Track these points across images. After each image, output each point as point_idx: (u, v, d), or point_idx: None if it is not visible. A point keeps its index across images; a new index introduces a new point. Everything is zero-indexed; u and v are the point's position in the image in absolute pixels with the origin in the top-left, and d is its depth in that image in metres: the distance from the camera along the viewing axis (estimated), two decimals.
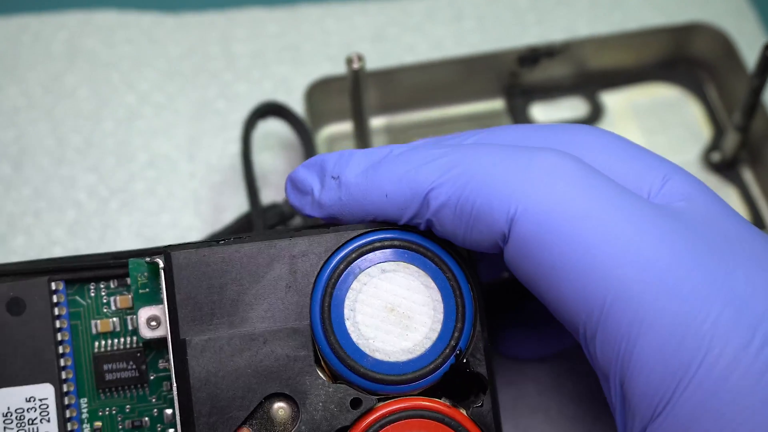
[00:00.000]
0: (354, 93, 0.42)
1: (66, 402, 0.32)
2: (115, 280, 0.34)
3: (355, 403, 0.30)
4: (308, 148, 0.43)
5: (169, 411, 0.33)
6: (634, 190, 0.31)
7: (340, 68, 0.50)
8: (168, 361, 0.32)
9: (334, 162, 0.32)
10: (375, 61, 0.50)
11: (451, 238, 0.31)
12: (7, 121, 0.48)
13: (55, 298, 0.33)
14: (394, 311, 0.31)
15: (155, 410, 0.33)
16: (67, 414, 0.33)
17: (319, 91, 0.45)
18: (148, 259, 0.32)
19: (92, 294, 0.34)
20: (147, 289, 0.33)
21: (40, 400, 0.32)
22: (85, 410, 0.33)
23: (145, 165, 0.47)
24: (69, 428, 0.33)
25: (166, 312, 0.31)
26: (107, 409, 0.33)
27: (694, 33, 0.48)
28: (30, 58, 0.50)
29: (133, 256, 0.33)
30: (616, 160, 0.31)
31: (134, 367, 0.33)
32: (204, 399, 0.30)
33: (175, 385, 0.30)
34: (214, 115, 0.49)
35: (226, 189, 0.47)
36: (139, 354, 0.33)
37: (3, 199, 0.46)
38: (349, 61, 0.41)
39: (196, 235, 0.45)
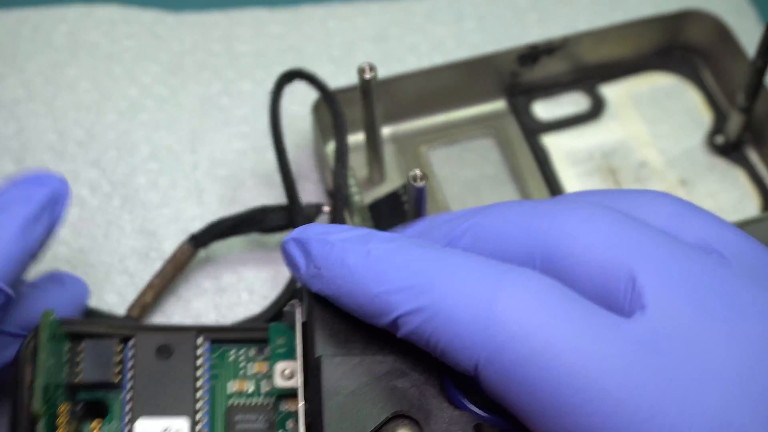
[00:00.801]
0: (366, 103, 0.42)
1: None
2: (254, 349, 0.38)
3: (478, 428, 0.31)
4: (341, 131, 0.43)
5: None
6: (611, 291, 0.30)
7: (341, 67, 0.50)
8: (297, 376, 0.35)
9: (317, 251, 0.33)
10: (377, 61, 0.51)
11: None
12: (8, 114, 0.48)
13: (199, 352, 0.36)
14: None
15: None
16: None
17: (326, 104, 0.45)
18: (287, 307, 0.36)
19: (231, 359, 0.37)
20: (284, 349, 0.36)
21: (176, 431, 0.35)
22: None
23: (147, 157, 0.47)
24: None
25: (298, 337, 0.34)
26: None
27: (688, 20, 0.49)
28: (30, 50, 0.50)
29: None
30: (594, 253, 0.31)
31: (264, 419, 0.36)
32: (334, 408, 0.31)
33: (302, 395, 0.33)
34: (218, 111, 0.49)
35: (230, 182, 0.47)
36: (270, 409, 0.36)
37: None
38: (361, 71, 0.40)
39: (199, 225, 0.45)
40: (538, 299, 0.29)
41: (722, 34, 0.49)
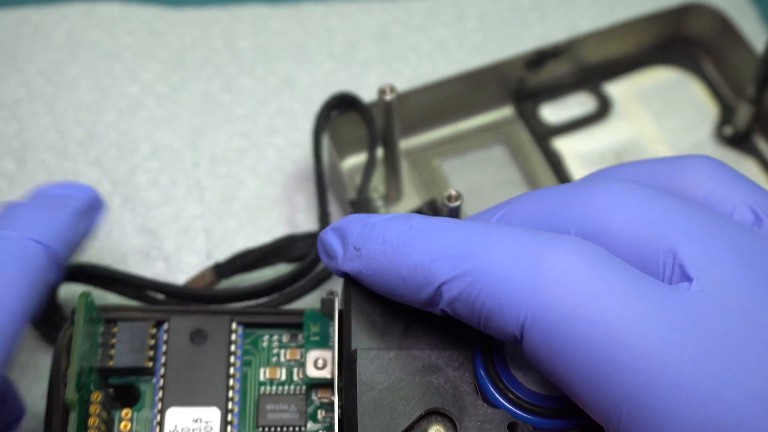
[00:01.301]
0: (386, 123, 0.41)
1: (228, 430, 0.35)
2: (287, 335, 0.37)
3: (513, 427, 0.31)
4: (373, 143, 0.44)
5: None
6: (648, 265, 0.30)
7: (342, 65, 0.50)
8: (333, 364, 0.35)
9: (358, 231, 0.33)
10: (377, 59, 0.51)
11: (466, 323, 0.31)
12: (9, 113, 0.48)
13: (233, 337, 0.36)
14: None
15: None
16: None
17: (343, 120, 0.44)
18: (325, 295, 0.36)
19: (265, 345, 0.37)
20: (318, 337, 0.36)
21: (206, 422, 0.35)
22: None
23: (147, 156, 0.47)
24: None
25: (336, 329, 0.34)
26: None
27: (688, 13, 0.49)
28: (31, 50, 0.50)
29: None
30: (630, 228, 0.31)
31: (295, 410, 0.36)
32: (368, 402, 0.31)
33: (336, 390, 0.33)
34: (219, 108, 0.49)
35: (231, 181, 0.47)
36: (301, 398, 0.36)
37: (8, 195, 0.46)
38: (382, 92, 0.40)
39: (200, 224, 0.45)
40: (586, 260, 0.29)
41: (724, 25, 0.49)
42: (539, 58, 0.48)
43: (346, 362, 0.33)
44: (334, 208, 0.46)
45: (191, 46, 0.50)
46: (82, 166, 0.47)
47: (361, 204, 0.42)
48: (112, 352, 0.35)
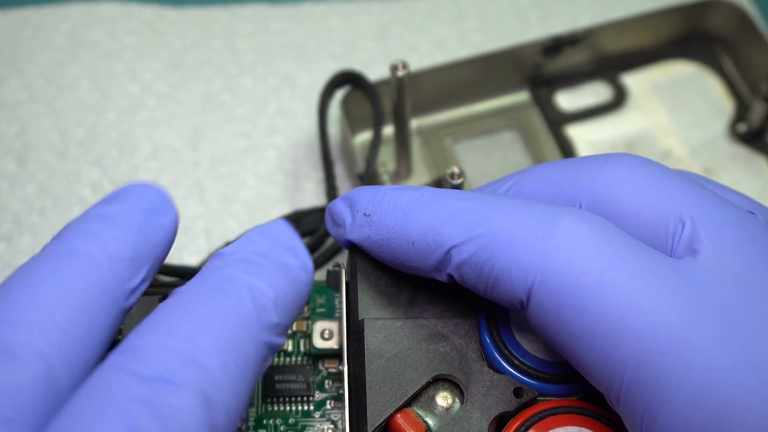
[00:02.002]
0: (398, 100, 0.42)
1: None
2: None
3: (518, 392, 0.32)
4: (379, 123, 0.44)
5: (330, 428, 0.36)
6: (658, 236, 0.31)
7: (342, 65, 0.51)
8: (341, 335, 0.35)
9: (368, 199, 0.34)
10: (378, 59, 0.51)
11: (471, 288, 0.32)
12: (10, 114, 0.49)
13: None
14: None
15: (317, 426, 0.36)
16: None
17: (354, 97, 0.45)
18: (331, 268, 0.36)
19: None
20: (323, 309, 0.37)
21: None
22: (252, 418, 0.36)
23: (148, 156, 0.48)
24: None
25: (343, 299, 0.35)
26: (272, 419, 0.36)
27: (708, 8, 0.50)
28: (32, 50, 0.51)
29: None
30: (642, 199, 0.32)
31: (303, 380, 0.36)
32: (376, 371, 0.32)
33: (345, 361, 0.33)
34: (219, 107, 0.50)
35: (231, 180, 0.48)
36: (309, 368, 0.37)
37: (9, 196, 0.47)
38: (394, 68, 0.41)
39: (200, 224, 0.46)
40: (594, 230, 0.30)
41: (743, 22, 0.49)
42: (556, 45, 0.48)
43: (354, 332, 0.33)
44: (342, 184, 0.46)
45: (192, 46, 0.51)
46: (83, 166, 0.47)
47: (369, 177, 0.43)
48: (124, 325, 0.36)
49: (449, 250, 0.31)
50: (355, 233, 0.33)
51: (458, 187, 0.38)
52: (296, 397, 0.36)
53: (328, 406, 0.36)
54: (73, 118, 0.49)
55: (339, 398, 0.36)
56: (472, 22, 0.53)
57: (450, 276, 0.32)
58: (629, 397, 0.29)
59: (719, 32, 0.50)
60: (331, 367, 0.37)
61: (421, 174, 0.47)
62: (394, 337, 0.33)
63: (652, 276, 0.29)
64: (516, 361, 0.33)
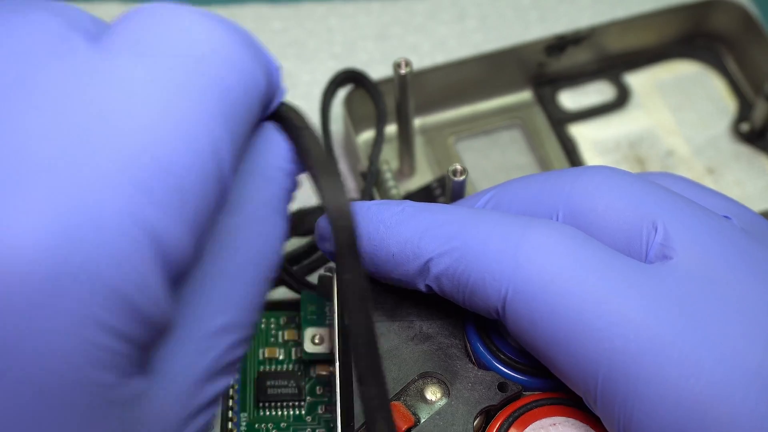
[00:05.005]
0: (400, 98, 0.42)
1: (230, 415, 0.37)
2: (285, 317, 0.40)
3: (503, 386, 0.34)
4: (381, 121, 0.45)
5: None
6: (632, 243, 0.33)
7: (342, 65, 0.52)
8: (332, 339, 0.37)
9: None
10: (378, 59, 0.53)
11: (450, 299, 0.34)
12: None
13: None
14: None
15: (309, 430, 0.38)
16: (229, 426, 0.37)
17: (357, 96, 0.45)
18: (322, 271, 0.38)
19: (262, 327, 0.40)
20: (314, 316, 0.39)
21: None
22: (244, 423, 0.38)
23: None
24: None
25: (335, 305, 0.36)
26: (264, 423, 0.38)
27: (711, 8, 0.51)
28: None
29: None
30: (616, 207, 0.33)
31: (294, 385, 0.38)
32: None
33: (337, 360, 0.35)
34: None
35: None
36: (300, 373, 0.39)
37: None
38: (397, 66, 0.41)
39: None
40: (565, 240, 0.32)
41: (747, 22, 0.50)
42: (560, 44, 0.49)
43: (344, 334, 0.35)
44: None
45: None
46: None
47: (372, 175, 0.43)
48: None
49: (427, 262, 0.33)
50: None
51: (461, 184, 0.38)
52: (288, 402, 0.38)
53: (320, 411, 0.38)
54: None
55: (330, 402, 0.38)
56: (472, 22, 0.54)
57: (429, 287, 0.34)
58: (604, 397, 0.31)
59: (722, 32, 0.51)
60: (322, 371, 0.39)
61: (424, 172, 0.48)
62: (382, 338, 0.35)
63: (620, 278, 0.31)
64: (502, 356, 0.35)
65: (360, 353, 0.29)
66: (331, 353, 0.37)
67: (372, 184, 0.45)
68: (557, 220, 0.34)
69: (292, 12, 0.54)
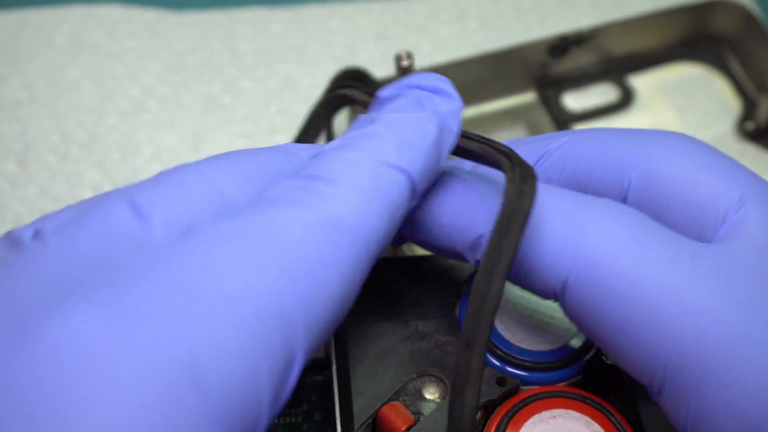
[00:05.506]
0: None
1: None
2: None
3: (501, 381, 0.33)
4: None
5: None
6: (707, 217, 0.31)
7: (342, 67, 0.51)
8: (330, 347, 0.36)
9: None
10: (378, 60, 0.53)
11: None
12: (10, 114, 0.51)
13: None
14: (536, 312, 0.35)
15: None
16: None
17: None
18: None
19: None
20: None
21: None
22: None
23: (150, 159, 0.50)
24: None
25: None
26: None
27: (714, 10, 0.52)
28: (32, 51, 0.53)
29: None
30: (695, 180, 0.32)
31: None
32: (361, 372, 0.34)
33: (334, 363, 0.35)
34: (220, 110, 0.52)
35: None
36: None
37: (9, 197, 0.48)
38: (398, 59, 0.41)
39: None
40: (630, 222, 0.30)
41: (749, 22, 0.50)
42: (562, 45, 0.49)
43: (339, 337, 0.35)
44: None
45: (192, 49, 0.54)
46: (85, 168, 0.50)
47: None
48: None
49: (479, 237, 0.31)
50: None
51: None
52: (284, 410, 0.37)
53: (317, 417, 0.38)
54: (74, 120, 0.51)
55: (326, 408, 0.38)
56: (473, 22, 0.54)
57: (478, 262, 0.31)
58: (673, 386, 0.29)
59: (725, 33, 0.52)
60: (317, 377, 0.38)
61: None
62: (377, 339, 0.34)
63: (692, 264, 0.30)
64: (499, 352, 0.34)
65: (482, 316, 0.28)
66: (326, 357, 0.36)
67: None
68: (629, 183, 0.32)
69: (292, 15, 0.54)
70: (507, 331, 0.35)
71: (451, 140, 0.32)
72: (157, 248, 0.26)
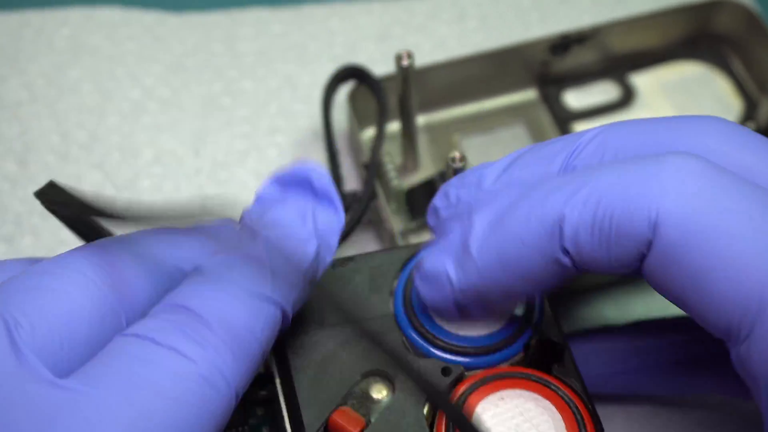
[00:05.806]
0: (403, 91, 0.42)
1: None
2: None
3: (446, 371, 0.34)
4: (383, 114, 0.45)
5: None
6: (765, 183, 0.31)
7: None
8: (272, 363, 0.36)
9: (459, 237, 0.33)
10: (378, 60, 0.53)
11: (591, 264, 0.31)
12: (11, 115, 0.51)
13: None
14: None
15: None
16: None
17: (360, 93, 0.46)
18: None
19: None
20: None
21: None
22: None
23: (150, 160, 0.50)
24: None
25: None
26: None
27: (716, 9, 0.51)
28: (32, 52, 0.53)
29: None
30: (744, 152, 0.31)
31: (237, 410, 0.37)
32: (305, 383, 0.34)
33: (278, 379, 0.35)
34: (220, 111, 0.52)
35: (233, 184, 0.49)
36: None
37: (9, 197, 0.48)
38: (399, 59, 0.42)
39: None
40: (704, 165, 0.30)
41: (751, 22, 0.51)
42: (564, 43, 0.49)
43: (278, 352, 0.35)
44: (347, 174, 0.48)
45: (192, 51, 0.54)
46: (85, 169, 0.50)
47: (373, 166, 0.43)
48: None
49: (559, 222, 0.30)
50: (466, 280, 0.32)
51: (460, 170, 0.38)
52: (230, 429, 0.37)
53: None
54: (75, 121, 0.51)
55: (274, 422, 0.37)
56: (473, 22, 0.55)
57: (566, 251, 0.31)
58: (765, 326, 0.28)
59: (727, 32, 0.52)
60: (261, 392, 0.37)
61: (427, 168, 0.49)
62: (317, 347, 0.34)
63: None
64: (440, 343, 0.35)
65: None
66: (267, 372, 0.36)
67: (374, 175, 0.45)
68: None
69: (292, 15, 0.55)
70: (444, 321, 0.35)
71: (328, 259, 0.33)
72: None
